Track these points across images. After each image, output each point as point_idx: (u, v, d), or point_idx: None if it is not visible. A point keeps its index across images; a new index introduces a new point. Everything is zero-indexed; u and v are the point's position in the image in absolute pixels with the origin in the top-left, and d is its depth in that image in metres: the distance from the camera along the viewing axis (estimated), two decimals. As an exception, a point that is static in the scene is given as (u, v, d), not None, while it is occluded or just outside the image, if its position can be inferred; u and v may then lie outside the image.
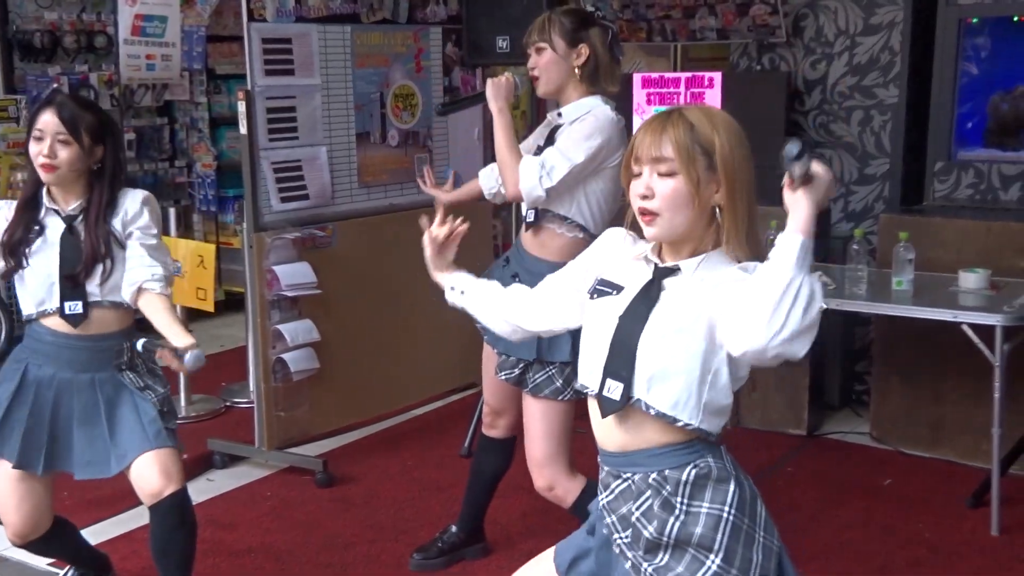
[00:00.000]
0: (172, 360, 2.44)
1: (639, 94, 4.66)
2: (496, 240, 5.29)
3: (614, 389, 1.78)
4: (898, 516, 3.55)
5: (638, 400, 1.76)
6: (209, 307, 4.27)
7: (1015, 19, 4.22)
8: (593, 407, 1.87)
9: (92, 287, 2.61)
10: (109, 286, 2.62)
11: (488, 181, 3.15)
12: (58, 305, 2.61)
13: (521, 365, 2.77)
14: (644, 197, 1.76)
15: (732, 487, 1.77)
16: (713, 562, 1.73)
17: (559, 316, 2.02)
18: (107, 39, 5.75)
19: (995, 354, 3.31)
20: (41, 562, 3.27)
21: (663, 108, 4.68)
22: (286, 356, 3.92)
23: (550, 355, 2.72)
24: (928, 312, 3.46)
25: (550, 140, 2.78)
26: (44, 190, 2.64)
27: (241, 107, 3.76)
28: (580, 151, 2.66)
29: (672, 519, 1.75)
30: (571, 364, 2.73)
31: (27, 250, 2.61)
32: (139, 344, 2.57)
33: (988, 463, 3.52)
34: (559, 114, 2.81)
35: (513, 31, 2.90)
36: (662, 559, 1.77)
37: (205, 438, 4.16)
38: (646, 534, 1.77)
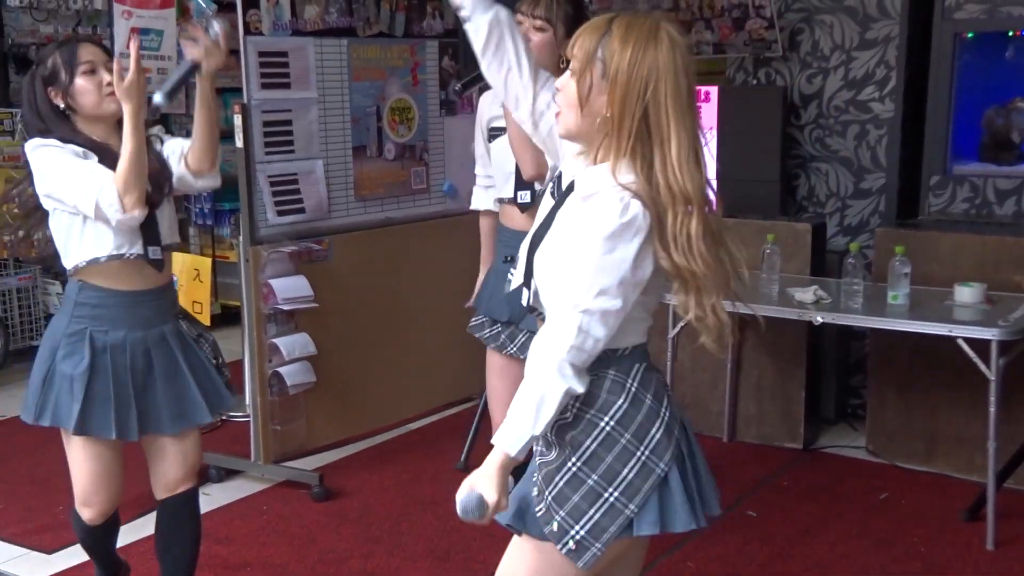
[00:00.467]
0: (200, 33, 2.45)
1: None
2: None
3: (526, 296, 1.89)
4: (893, 529, 3.55)
5: (540, 305, 1.84)
6: (205, 321, 4.25)
7: (1010, 34, 4.24)
8: None
9: (163, 229, 2.55)
10: (167, 223, 2.59)
11: (488, 203, 3.13)
12: (141, 251, 2.49)
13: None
14: (558, 90, 1.82)
15: (620, 401, 1.80)
16: (575, 464, 1.78)
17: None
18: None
19: (991, 368, 3.32)
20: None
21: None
22: (282, 370, 3.92)
23: None
24: (924, 326, 3.47)
25: None
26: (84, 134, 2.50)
27: (237, 120, 3.77)
28: None
29: (560, 420, 1.79)
30: None
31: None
32: (158, 97, 2.41)
33: (984, 477, 3.52)
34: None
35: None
36: (544, 456, 1.84)
37: (201, 452, 4.14)
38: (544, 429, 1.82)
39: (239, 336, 4.48)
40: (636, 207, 1.69)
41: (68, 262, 2.52)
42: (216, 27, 2.45)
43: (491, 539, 3.45)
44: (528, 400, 1.72)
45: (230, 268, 5.63)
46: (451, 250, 4.40)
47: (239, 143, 3.78)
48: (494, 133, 2.91)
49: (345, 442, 4.29)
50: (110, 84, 2.45)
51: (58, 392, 2.50)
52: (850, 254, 3.75)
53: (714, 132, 4.44)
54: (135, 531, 3.44)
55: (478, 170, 3.20)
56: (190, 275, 4.20)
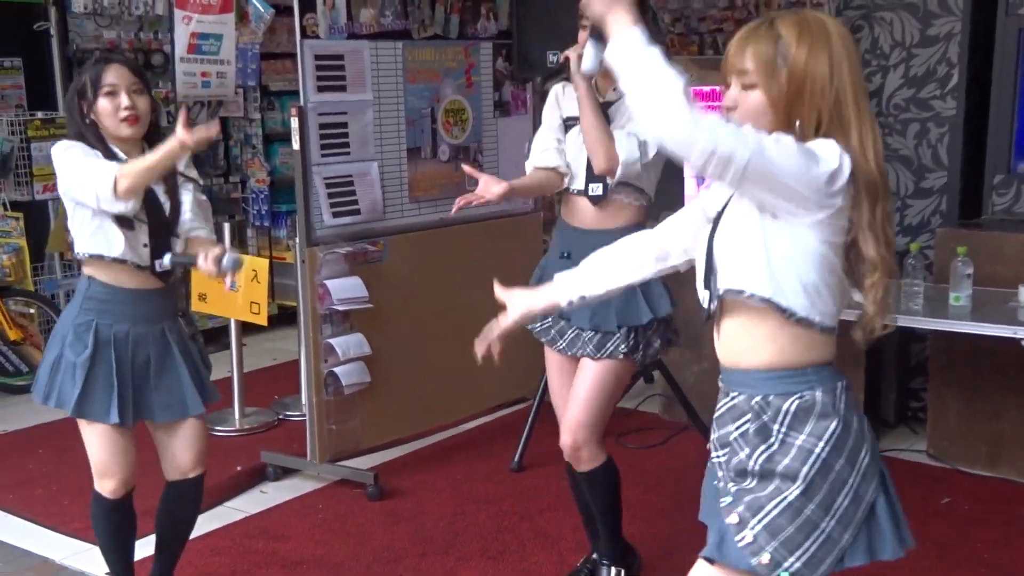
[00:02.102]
0: (212, 266, 2.52)
1: (690, 108, 4.63)
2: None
3: (706, 298, 1.85)
4: (956, 535, 3.48)
5: (726, 292, 1.78)
6: (262, 321, 4.32)
7: (1076, 29, 4.13)
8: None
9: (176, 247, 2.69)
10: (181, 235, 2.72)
11: (549, 160, 2.96)
12: (147, 262, 2.65)
13: (633, 335, 2.82)
14: (728, 109, 1.78)
15: (834, 425, 1.74)
16: (792, 493, 1.72)
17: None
18: (164, 57, 5.85)
19: (1057, 371, 3.24)
20: (99, 572, 3.32)
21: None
22: (338, 370, 3.95)
23: (659, 311, 2.82)
24: (987, 328, 3.39)
25: (603, 115, 2.79)
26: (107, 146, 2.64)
27: (294, 123, 3.81)
28: None
29: (764, 447, 1.74)
30: (664, 319, 2.86)
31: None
32: (167, 260, 2.62)
33: (1050, 482, 3.44)
34: (614, 88, 2.81)
35: (563, 46, 2.92)
36: (747, 484, 1.77)
37: (258, 451, 4.20)
38: (741, 455, 1.78)
39: (295, 336, 4.53)
40: (848, 166, 1.68)
41: (78, 248, 2.70)
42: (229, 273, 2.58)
43: (546, 540, 3.45)
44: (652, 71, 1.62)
45: (287, 269, 5.69)
46: (504, 251, 4.40)
47: (295, 146, 3.83)
48: (569, 123, 2.91)
49: (400, 442, 4.32)
50: (128, 108, 2.59)
51: (63, 377, 2.69)
52: (910, 254, 3.68)
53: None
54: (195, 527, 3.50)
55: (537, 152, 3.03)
56: (248, 276, 4.24)
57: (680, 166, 3.34)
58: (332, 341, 3.94)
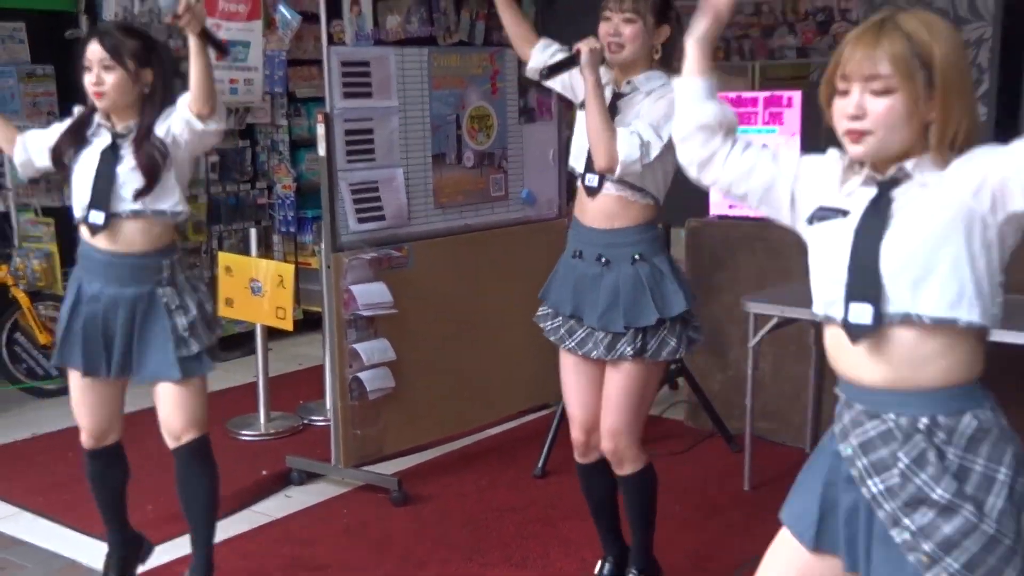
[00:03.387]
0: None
1: (716, 114, 4.61)
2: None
3: (862, 312, 1.67)
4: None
5: (905, 315, 1.65)
6: (288, 326, 4.34)
7: (1109, 34, 4.09)
8: (836, 338, 1.75)
9: (123, 196, 2.75)
10: (156, 194, 2.77)
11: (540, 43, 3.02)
12: (83, 214, 2.79)
13: (640, 335, 2.77)
14: (854, 118, 1.66)
15: (1012, 448, 1.66)
16: (989, 526, 1.63)
17: (755, 175, 1.91)
18: (193, 64, 5.91)
19: (1090, 380, 3.19)
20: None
21: (743, 128, 4.63)
22: (362, 375, 3.96)
23: (669, 311, 2.77)
24: (1020, 336, 3.35)
25: (613, 107, 2.77)
26: (99, 112, 2.80)
27: (320, 129, 3.83)
28: (668, 130, 2.63)
29: (946, 473, 1.63)
30: (683, 318, 2.81)
31: (72, 154, 2.81)
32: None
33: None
34: (628, 82, 2.80)
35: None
36: (926, 515, 1.65)
37: (283, 455, 4.22)
38: (916, 482, 1.65)
39: (320, 342, 4.54)
40: None
41: None
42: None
43: (569, 546, 3.44)
44: None
45: (312, 274, 5.72)
46: (529, 257, 4.40)
47: (321, 151, 3.84)
48: (583, 104, 2.86)
49: (424, 447, 4.32)
50: (95, 84, 2.72)
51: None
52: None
53: (797, 138, 4.36)
54: (222, 530, 3.51)
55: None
56: (274, 281, 4.27)
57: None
58: (357, 346, 3.95)
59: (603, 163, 2.71)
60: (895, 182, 1.70)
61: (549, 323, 2.97)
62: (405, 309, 4.04)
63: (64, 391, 5.21)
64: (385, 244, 4.05)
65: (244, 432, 4.61)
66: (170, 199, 2.79)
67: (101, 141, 2.79)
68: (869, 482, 1.71)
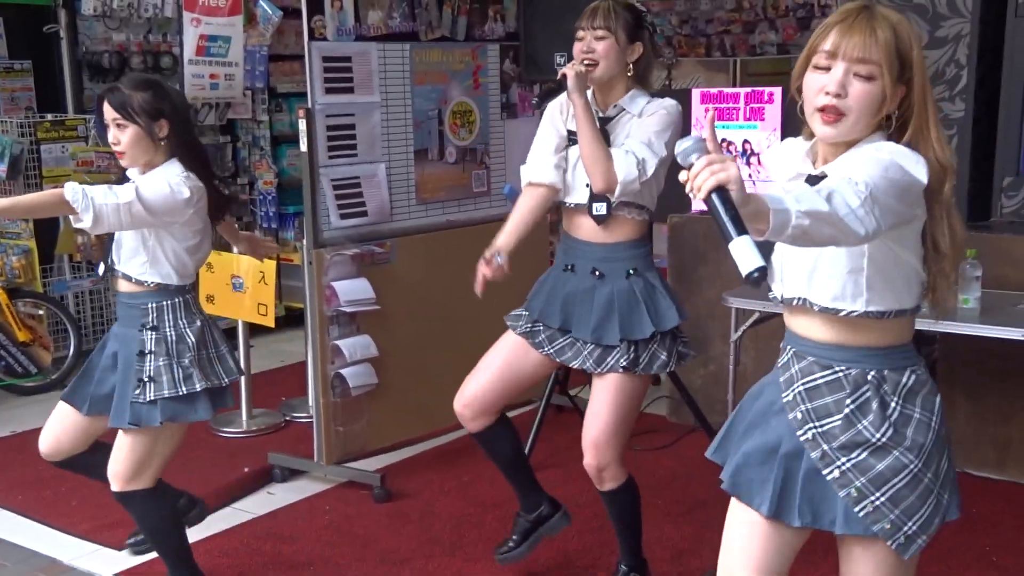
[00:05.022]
0: None
1: (697, 109, 4.63)
2: (552, 257, 5.28)
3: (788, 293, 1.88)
4: (963, 538, 3.46)
5: (803, 300, 1.84)
6: (270, 323, 4.32)
7: (1086, 30, 4.12)
8: (789, 316, 1.95)
9: (114, 254, 2.81)
10: (124, 257, 2.80)
11: (546, 176, 2.91)
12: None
13: (633, 348, 2.80)
14: (836, 95, 1.72)
15: (939, 398, 1.86)
16: (916, 465, 1.81)
17: None
18: (172, 59, 5.87)
19: (1067, 374, 3.23)
20: (108, 573, 3.33)
21: (723, 124, 4.66)
22: (345, 371, 3.96)
23: (663, 325, 2.80)
24: (996, 331, 3.38)
25: (602, 132, 2.78)
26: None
27: (302, 125, 3.82)
28: (661, 145, 2.74)
29: (886, 419, 1.80)
30: (672, 333, 2.86)
31: None
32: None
33: (1060, 486, 3.42)
34: (613, 105, 2.83)
35: (570, 48, 2.93)
36: (860, 455, 1.83)
37: (265, 452, 4.21)
38: (858, 427, 1.82)
39: (302, 338, 4.54)
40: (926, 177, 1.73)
41: None
42: None
43: (551, 542, 3.45)
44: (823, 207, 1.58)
45: (294, 271, 5.70)
46: (512, 253, 4.39)
47: (303, 147, 3.83)
48: (572, 138, 2.88)
49: (406, 443, 4.32)
50: (114, 143, 2.74)
51: None
52: (919, 257, 3.67)
53: (778, 134, 4.38)
54: (202, 529, 3.51)
55: (537, 155, 2.96)
56: (255, 277, 4.26)
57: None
58: (339, 343, 3.94)
59: (601, 184, 2.73)
60: (818, 179, 1.78)
61: (525, 325, 2.98)
62: (388, 305, 4.04)
63: (43, 388, 5.21)
64: (367, 240, 4.04)
65: (226, 429, 4.59)
66: (139, 266, 2.78)
67: None
68: (808, 425, 1.88)
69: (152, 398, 2.75)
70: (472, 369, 3.09)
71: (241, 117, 6.08)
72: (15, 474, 4.17)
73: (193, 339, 2.80)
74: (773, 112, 4.41)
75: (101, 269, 2.90)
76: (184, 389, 2.77)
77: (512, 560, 3.19)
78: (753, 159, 4.46)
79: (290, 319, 5.86)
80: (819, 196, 1.58)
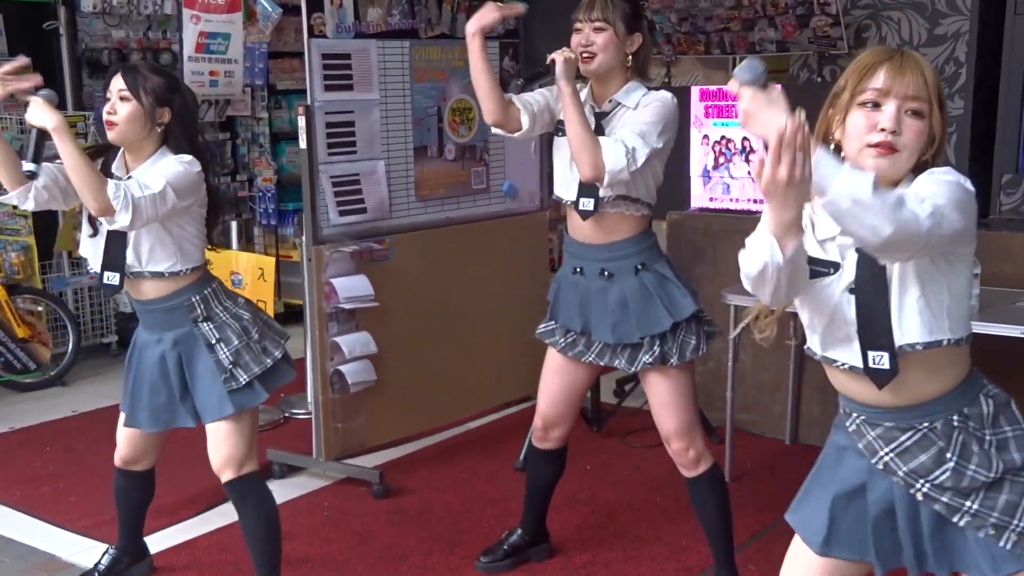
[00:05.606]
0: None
1: (697, 107, 4.63)
2: (552, 254, 5.29)
3: (881, 359, 1.80)
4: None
5: (901, 348, 1.79)
6: (269, 319, 4.32)
7: (1085, 28, 4.12)
8: (843, 375, 1.88)
9: (131, 258, 2.70)
10: (146, 256, 2.71)
11: (518, 101, 2.89)
12: (98, 271, 2.73)
13: (658, 342, 2.81)
14: (892, 132, 1.76)
15: (1013, 403, 1.86)
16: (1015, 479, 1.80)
17: None
18: (172, 56, 5.87)
19: (1065, 371, 3.23)
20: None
21: (722, 121, 4.66)
22: (344, 368, 3.96)
23: (680, 314, 2.80)
24: (994, 328, 3.37)
25: (597, 128, 2.76)
26: (119, 156, 2.74)
27: (301, 122, 3.82)
28: (655, 136, 2.71)
29: (988, 455, 1.79)
30: (697, 316, 2.86)
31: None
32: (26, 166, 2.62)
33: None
34: (609, 101, 2.81)
35: (570, 45, 2.93)
36: (980, 493, 1.80)
37: (264, 448, 4.19)
38: (968, 474, 1.79)
39: (301, 335, 4.54)
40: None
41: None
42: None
43: (550, 537, 3.45)
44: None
45: (293, 267, 5.70)
46: (510, 249, 4.41)
47: (302, 144, 3.83)
48: (561, 127, 2.86)
49: (405, 440, 4.32)
50: (109, 112, 2.68)
51: None
52: (917, 254, 3.67)
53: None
54: (183, 532, 3.52)
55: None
56: (254, 274, 4.26)
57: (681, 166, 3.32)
58: (338, 339, 3.94)
59: (589, 173, 2.69)
60: None
61: (561, 339, 2.98)
62: (386, 302, 4.04)
63: (42, 385, 5.21)
64: (366, 237, 4.04)
65: (225, 426, 4.59)
66: (167, 259, 2.72)
67: None
68: (917, 485, 1.84)
69: (247, 380, 2.76)
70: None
71: (241, 114, 6.09)
72: (13, 470, 4.17)
73: (248, 314, 2.83)
74: (772, 109, 4.41)
75: (115, 279, 2.70)
76: (269, 361, 2.81)
77: (494, 571, 3.25)
78: (752, 156, 4.46)
79: (289, 316, 5.86)
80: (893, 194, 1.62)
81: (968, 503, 1.81)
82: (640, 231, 2.85)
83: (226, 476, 2.82)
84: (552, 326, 3.01)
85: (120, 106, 2.65)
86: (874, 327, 1.79)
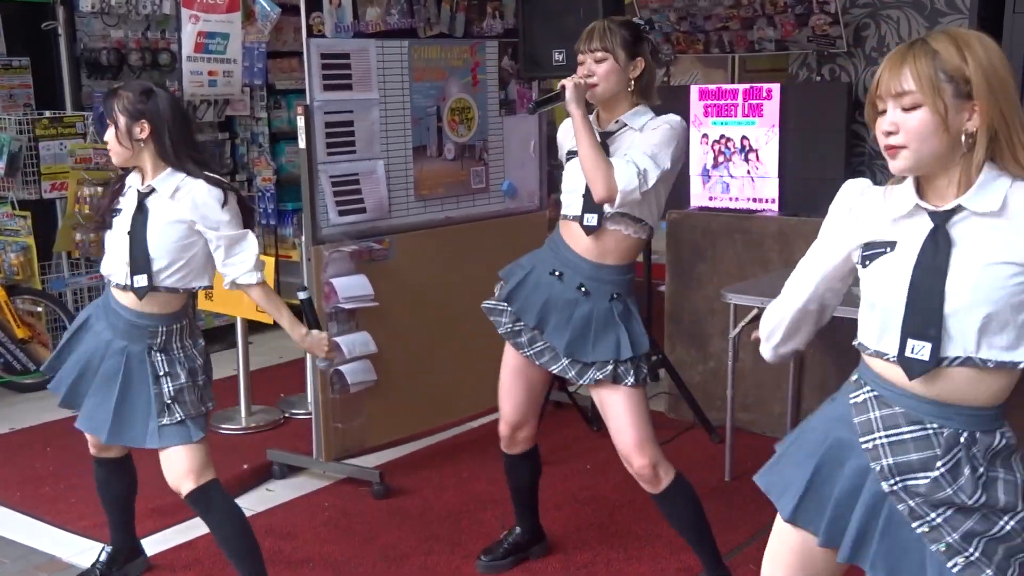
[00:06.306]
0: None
1: (696, 106, 4.63)
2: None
3: (920, 349, 1.75)
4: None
5: (967, 359, 1.73)
6: (268, 319, 4.31)
7: (1084, 26, 4.12)
8: (884, 365, 1.84)
9: (155, 268, 2.76)
10: (167, 273, 2.76)
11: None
12: (123, 281, 2.77)
13: (611, 363, 2.85)
14: (889, 134, 1.75)
15: (1019, 454, 1.82)
16: (1008, 523, 1.76)
17: (836, 293, 2.03)
18: (171, 56, 5.86)
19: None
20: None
21: (721, 120, 4.65)
22: (343, 368, 3.96)
23: (636, 350, 2.86)
24: None
25: (603, 147, 2.78)
26: (133, 171, 2.83)
27: (300, 122, 3.81)
28: (665, 158, 2.75)
29: (978, 485, 1.75)
30: (647, 354, 2.93)
31: (111, 217, 2.81)
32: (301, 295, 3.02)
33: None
34: (616, 121, 2.84)
35: (569, 44, 2.93)
36: (948, 511, 1.77)
37: (264, 449, 4.21)
38: (948, 491, 1.75)
39: (302, 335, 4.53)
40: None
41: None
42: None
43: (550, 537, 3.45)
44: None
45: (292, 267, 5.70)
46: (510, 249, 4.38)
47: (301, 144, 3.83)
48: (570, 157, 2.91)
49: (405, 440, 4.32)
50: (106, 141, 2.80)
51: None
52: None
53: (777, 130, 4.38)
54: (181, 534, 3.52)
55: None
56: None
57: (684, 168, 3.31)
58: (338, 339, 3.94)
59: (602, 192, 2.72)
60: (950, 214, 1.74)
61: (507, 323, 3.01)
62: (386, 302, 4.04)
63: (42, 386, 5.21)
64: (366, 237, 4.04)
65: (225, 426, 4.59)
66: (181, 279, 2.80)
67: (129, 200, 2.80)
68: (892, 479, 1.81)
69: (181, 418, 2.79)
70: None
71: (240, 114, 6.08)
72: (13, 471, 4.17)
73: (202, 360, 2.89)
74: (771, 108, 4.41)
75: (137, 281, 2.75)
76: (204, 409, 2.86)
77: (493, 570, 3.27)
78: (751, 155, 4.46)
79: (289, 316, 5.85)
80: None
81: (933, 515, 1.78)
82: (629, 260, 2.90)
83: (186, 487, 2.82)
84: (503, 307, 3.01)
85: (109, 131, 2.75)
86: (923, 315, 1.73)
